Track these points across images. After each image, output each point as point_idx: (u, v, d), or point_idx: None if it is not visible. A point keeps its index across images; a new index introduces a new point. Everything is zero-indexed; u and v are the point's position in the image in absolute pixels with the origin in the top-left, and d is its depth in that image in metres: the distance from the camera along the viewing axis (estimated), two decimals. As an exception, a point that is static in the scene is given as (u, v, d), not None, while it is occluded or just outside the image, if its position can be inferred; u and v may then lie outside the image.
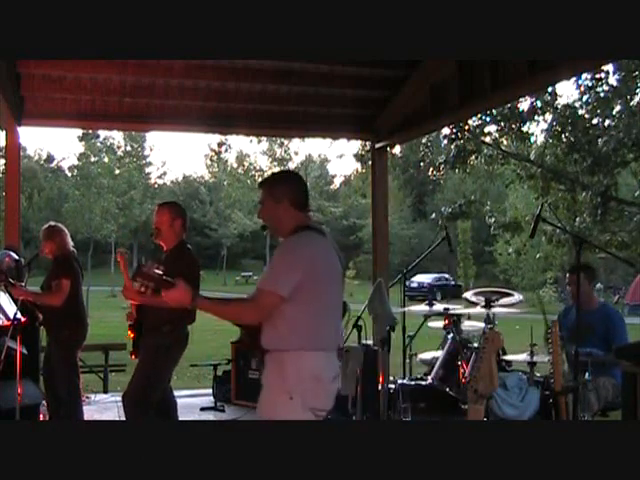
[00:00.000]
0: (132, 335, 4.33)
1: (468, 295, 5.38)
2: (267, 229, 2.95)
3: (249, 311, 2.77)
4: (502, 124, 12.29)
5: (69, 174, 46.17)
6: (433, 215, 15.73)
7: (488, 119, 12.27)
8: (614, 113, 11.54)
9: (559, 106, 11.75)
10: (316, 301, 2.73)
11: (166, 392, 4.40)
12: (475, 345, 4.69)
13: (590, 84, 11.34)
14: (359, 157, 15.90)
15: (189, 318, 4.20)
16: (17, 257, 5.14)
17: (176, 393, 4.67)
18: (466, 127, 12.49)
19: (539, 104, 11.71)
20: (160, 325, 4.11)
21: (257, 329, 2.78)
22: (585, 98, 11.62)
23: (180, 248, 4.30)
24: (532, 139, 13.30)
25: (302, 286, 2.67)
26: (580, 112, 11.72)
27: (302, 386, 2.68)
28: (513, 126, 12.17)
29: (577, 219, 12.52)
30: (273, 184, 2.93)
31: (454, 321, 4.93)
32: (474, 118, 11.73)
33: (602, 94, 11.31)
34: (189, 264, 4.15)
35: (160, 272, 2.71)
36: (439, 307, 5.17)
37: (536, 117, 12.03)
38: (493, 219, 15.41)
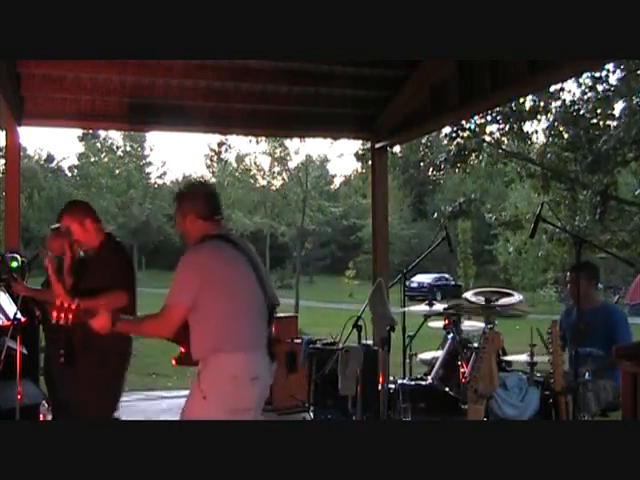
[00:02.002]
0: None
1: (468, 295, 5.37)
2: None
3: (158, 324, 2.94)
4: (503, 124, 12.30)
5: (69, 174, 46.18)
6: (435, 215, 15.75)
7: (489, 118, 12.29)
8: (614, 112, 11.55)
9: (561, 104, 11.75)
10: (223, 304, 2.87)
11: None
12: (475, 345, 4.68)
13: (591, 83, 11.35)
14: (359, 156, 15.92)
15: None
16: (20, 260, 5.02)
17: (175, 393, 4.67)
18: (466, 125, 12.50)
19: (541, 103, 11.72)
20: (92, 335, 3.77)
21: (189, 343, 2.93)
22: (586, 97, 11.63)
23: (105, 247, 4.00)
24: (533, 138, 13.32)
25: (204, 292, 2.84)
26: (581, 111, 11.72)
27: (219, 387, 2.83)
28: (514, 125, 12.17)
29: (577, 218, 12.52)
30: (180, 200, 3.15)
31: (454, 321, 4.92)
32: (475, 117, 11.74)
33: (602, 93, 11.32)
34: (119, 263, 3.90)
35: (75, 303, 2.92)
36: (439, 307, 5.17)
37: (537, 116, 12.04)
38: (494, 217, 15.41)
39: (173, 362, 3.14)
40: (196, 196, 3.10)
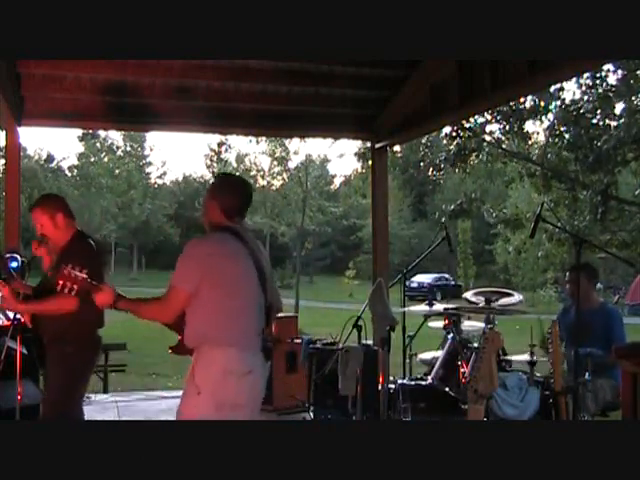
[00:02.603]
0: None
1: (468, 295, 5.38)
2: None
3: (161, 307, 2.96)
4: (503, 123, 12.30)
5: (69, 174, 46.22)
6: (437, 215, 15.76)
7: (489, 117, 12.28)
8: (615, 112, 11.54)
9: (561, 104, 11.75)
10: (221, 298, 2.88)
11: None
12: (475, 345, 4.69)
13: (591, 83, 11.35)
14: (360, 155, 15.93)
15: (97, 322, 3.91)
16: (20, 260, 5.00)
17: (176, 393, 4.65)
18: (467, 125, 12.50)
19: (541, 102, 11.72)
20: (63, 333, 3.77)
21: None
22: (586, 97, 11.63)
23: (76, 240, 3.91)
24: (533, 137, 13.32)
25: (203, 283, 2.85)
26: (581, 110, 11.72)
27: (210, 381, 2.84)
28: (514, 125, 12.17)
29: (577, 218, 12.53)
30: (216, 183, 3.22)
31: (454, 321, 4.92)
32: (476, 116, 11.73)
33: (602, 93, 11.32)
34: (89, 257, 3.75)
35: (84, 274, 2.91)
36: (439, 307, 5.17)
37: (538, 115, 12.04)
38: (494, 214, 15.41)
39: (169, 350, 3.12)
40: (230, 190, 3.09)
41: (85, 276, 2.90)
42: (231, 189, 3.10)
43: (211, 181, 3.22)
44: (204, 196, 3.16)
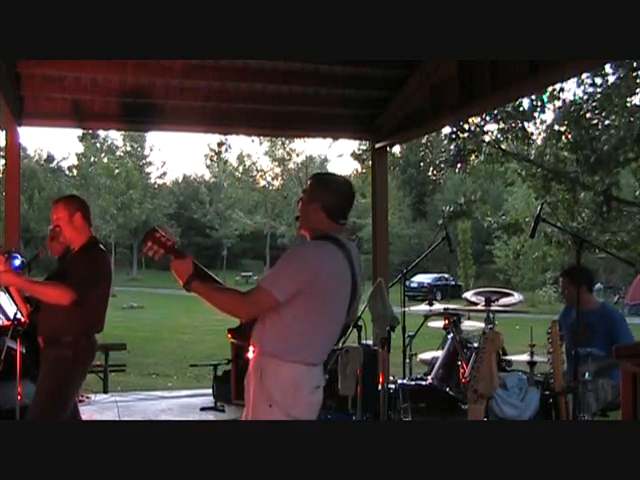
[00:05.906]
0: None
1: (468, 295, 5.39)
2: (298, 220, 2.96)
3: (242, 305, 2.76)
4: (503, 123, 12.29)
5: (69, 174, 46.25)
6: (438, 218, 15.75)
7: (488, 117, 12.28)
8: (615, 111, 11.53)
9: (562, 103, 11.75)
10: (311, 315, 2.70)
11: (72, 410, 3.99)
12: (475, 345, 4.69)
13: (591, 82, 11.36)
14: (356, 155, 15.95)
15: (95, 327, 3.87)
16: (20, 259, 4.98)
17: (176, 393, 4.66)
18: (466, 125, 12.49)
19: (540, 102, 11.72)
20: (60, 335, 3.73)
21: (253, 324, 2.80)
22: (586, 97, 11.63)
23: (88, 248, 3.87)
24: (533, 138, 13.28)
25: (301, 296, 2.66)
26: (582, 111, 11.71)
27: (281, 394, 2.68)
28: (514, 125, 12.17)
29: (578, 218, 12.52)
30: (316, 182, 2.95)
31: (454, 321, 4.93)
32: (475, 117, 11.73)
33: (602, 92, 11.32)
34: (93, 266, 3.75)
35: (173, 240, 2.84)
36: (439, 307, 5.17)
37: (535, 114, 12.03)
38: (493, 222, 15.40)
39: (229, 335, 2.98)
40: (333, 189, 2.86)
41: (174, 241, 2.84)
42: (333, 187, 2.88)
43: (307, 184, 2.93)
44: (302, 201, 2.90)
